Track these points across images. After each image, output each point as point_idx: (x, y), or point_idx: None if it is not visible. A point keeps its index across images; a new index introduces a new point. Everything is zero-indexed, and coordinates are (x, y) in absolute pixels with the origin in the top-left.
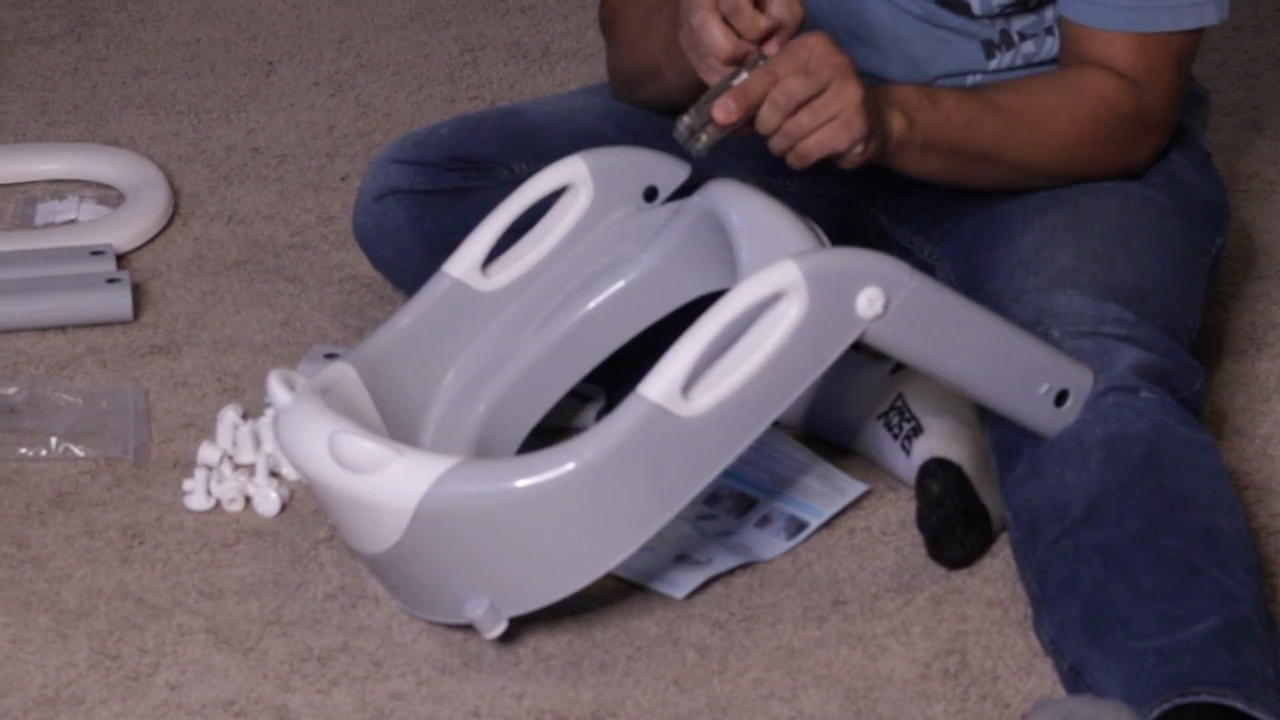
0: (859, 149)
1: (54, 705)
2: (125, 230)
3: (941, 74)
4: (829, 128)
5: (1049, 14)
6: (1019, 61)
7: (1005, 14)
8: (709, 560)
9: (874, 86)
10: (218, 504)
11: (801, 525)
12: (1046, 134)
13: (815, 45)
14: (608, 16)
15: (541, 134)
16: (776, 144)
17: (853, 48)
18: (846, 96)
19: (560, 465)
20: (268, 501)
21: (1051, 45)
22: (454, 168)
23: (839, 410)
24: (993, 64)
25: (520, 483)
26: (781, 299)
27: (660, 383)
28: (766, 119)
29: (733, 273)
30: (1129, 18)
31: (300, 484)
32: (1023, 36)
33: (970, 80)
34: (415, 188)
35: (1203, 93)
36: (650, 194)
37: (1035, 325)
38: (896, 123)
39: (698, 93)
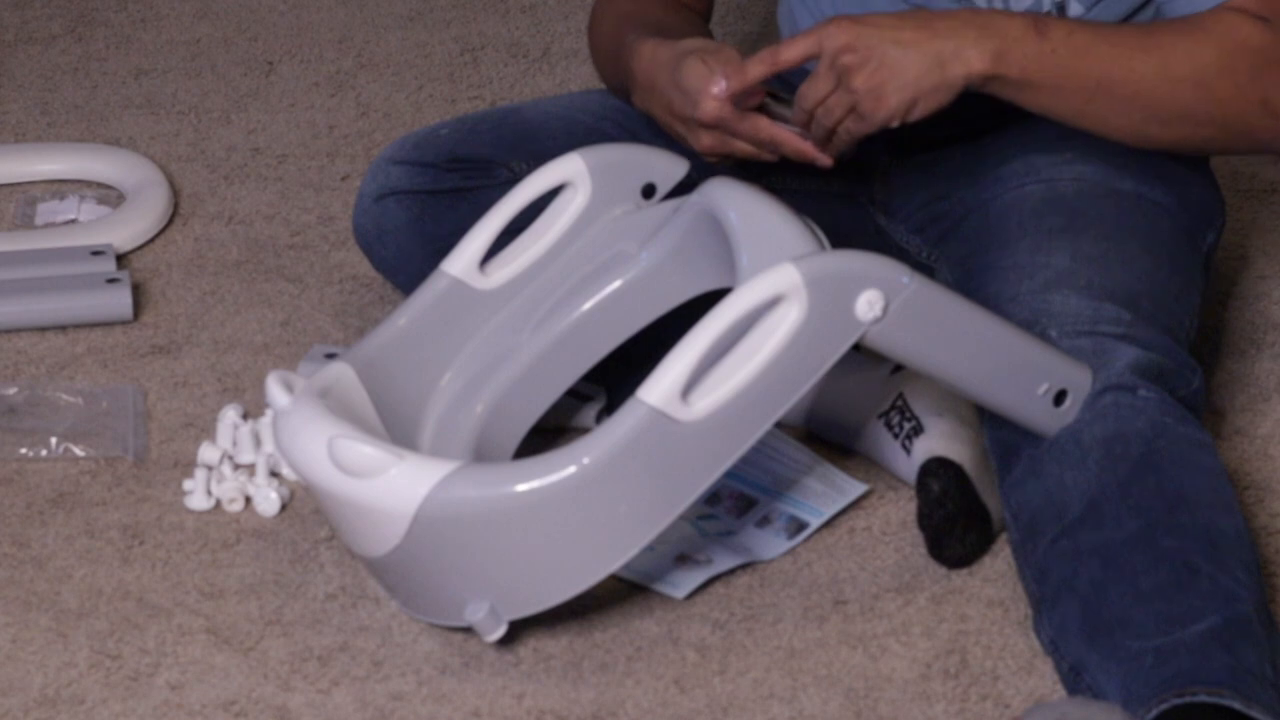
0: (896, 118)
1: (54, 705)
2: (125, 230)
3: None
4: (852, 117)
5: (1046, 2)
6: None
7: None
8: (709, 560)
9: (955, 14)
10: (218, 504)
11: (802, 525)
12: (1171, 63)
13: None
14: (590, 27)
15: (540, 133)
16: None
17: None
18: (857, 88)
19: (560, 470)
20: (268, 501)
21: None
22: (453, 168)
23: (840, 410)
24: None
25: (520, 487)
26: (781, 302)
27: (660, 387)
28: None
29: (731, 272)
30: None
31: (300, 484)
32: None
33: None
34: (415, 188)
35: None
36: (648, 191)
37: (1032, 326)
38: (976, 62)
39: None
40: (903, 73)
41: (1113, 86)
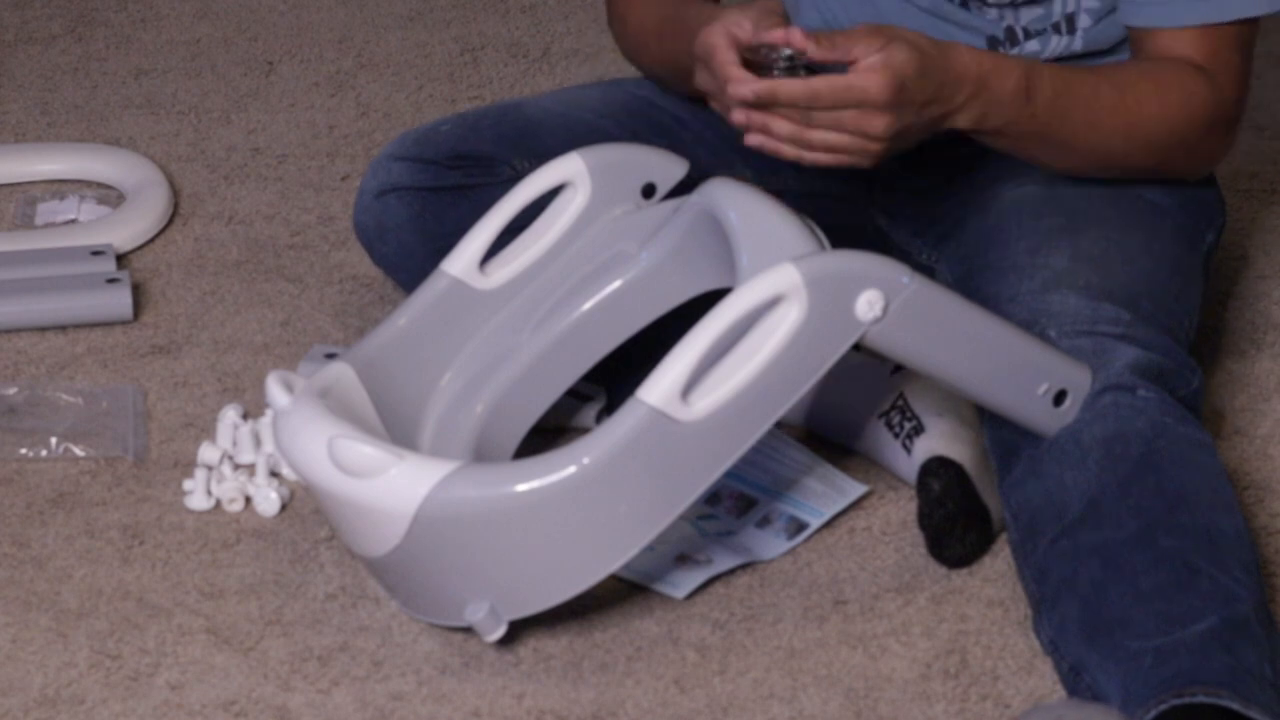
0: (868, 163)
1: (54, 705)
2: (125, 230)
3: None
4: (838, 153)
5: (1056, 7)
6: (1022, 56)
7: (1015, 3)
8: (710, 560)
9: (954, 53)
10: (218, 504)
11: (802, 525)
12: (1136, 129)
13: (871, 88)
14: (618, 14)
15: (541, 130)
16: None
17: None
18: (869, 134)
19: (560, 470)
20: (268, 501)
21: (1057, 44)
22: (455, 165)
23: (840, 410)
24: None
25: (520, 487)
26: (781, 302)
27: (660, 387)
28: (780, 131)
29: (731, 272)
30: (1201, 10)
31: (300, 484)
32: (1028, 34)
33: None
34: (416, 185)
35: None
36: (648, 191)
37: (1032, 326)
38: (961, 122)
39: None
40: (909, 135)
41: (1075, 146)
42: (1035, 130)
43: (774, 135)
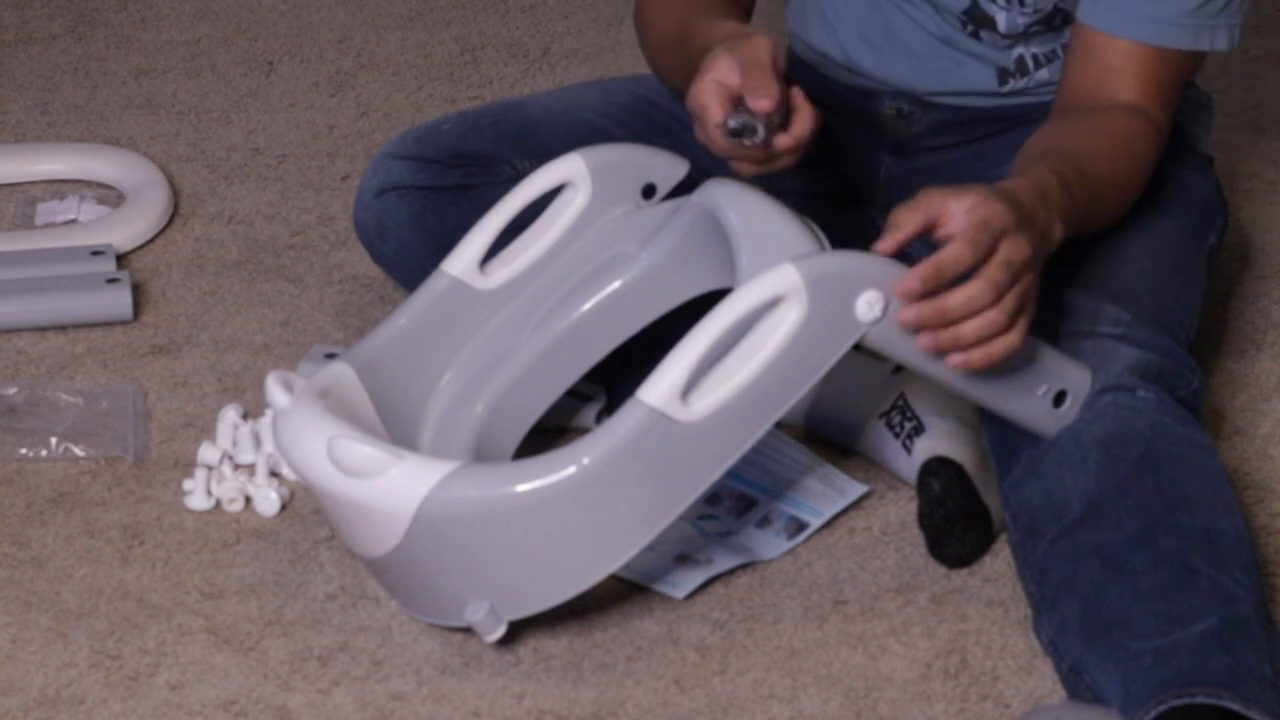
0: None
1: (54, 705)
2: (125, 230)
3: (949, 91)
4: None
5: (1067, 33)
6: (1031, 84)
7: (1029, 33)
8: (710, 560)
9: (1010, 187)
10: (218, 504)
11: (802, 525)
12: (1127, 197)
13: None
14: (641, 22)
15: (542, 130)
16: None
17: (863, 53)
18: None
19: (560, 470)
20: (268, 501)
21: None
22: (456, 164)
23: (840, 410)
24: (1006, 88)
25: (520, 487)
26: (781, 303)
27: (659, 387)
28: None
29: (731, 272)
30: (1149, 30)
31: (300, 484)
32: (1038, 62)
33: (977, 101)
34: (417, 184)
35: (1206, 98)
36: (648, 191)
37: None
38: (1057, 229)
39: None
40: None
41: (1093, 221)
42: (1079, 209)
43: (949, 342)
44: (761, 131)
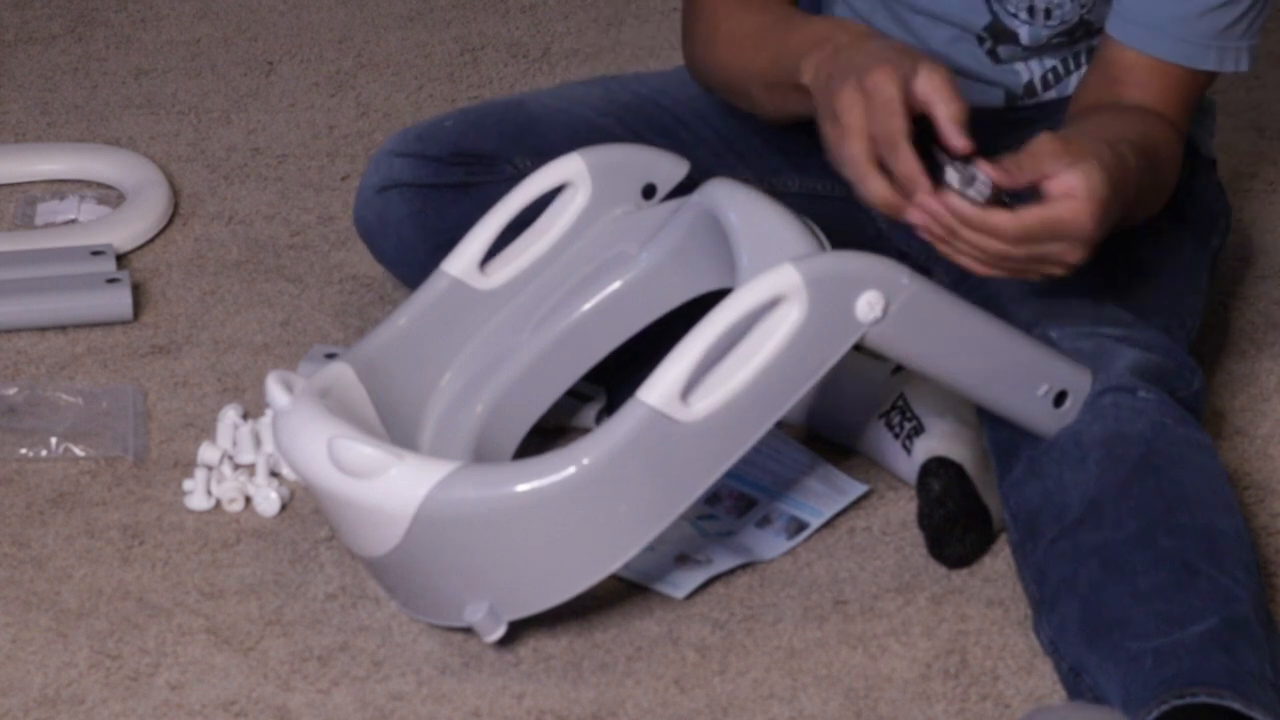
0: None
1: (54, 705)
2: (125, 230)
3: None
4: (1028, 275)
5: (1080, 46)
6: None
7: (1051, 44)
8: (709, 560)
9: (1120, 151)
10: (218, 504)
11: (802, 525)
12: (1160, 202)
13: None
14: (705, 24)
15: (543, 128)
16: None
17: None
18: (1068, 263)
19: (560, 470)
20: (268, 501)
21: (1070, 82)
22: (457, 162)
23: (840, 410)
24: (1013, 105)
25: (520, 487)
26: (781, 303)
27: (659, 387)
28: (970, 250)
29: (731, 272)
30: (1180, 50)
31: (300, 484)
32: (1046, 83)
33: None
34: (418, 182)
35: (1209, 103)
36: (649, 191)
37: (1033, 327)
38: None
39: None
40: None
41: (1152, 188)
42: (1139, 187)
43: (959, 249)
44: (986, 186)
